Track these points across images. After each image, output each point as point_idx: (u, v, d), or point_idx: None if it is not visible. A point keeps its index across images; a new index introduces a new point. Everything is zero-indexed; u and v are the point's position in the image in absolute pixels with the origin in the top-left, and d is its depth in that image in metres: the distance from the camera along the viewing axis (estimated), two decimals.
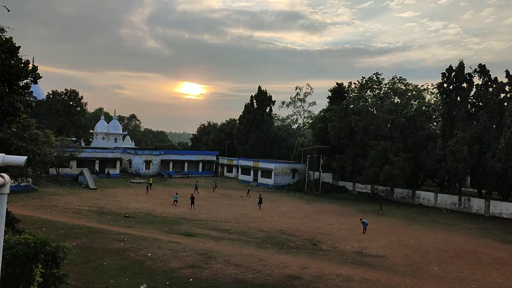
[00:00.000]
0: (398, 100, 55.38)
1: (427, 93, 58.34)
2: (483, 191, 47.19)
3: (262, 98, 75.06)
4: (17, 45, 5.30)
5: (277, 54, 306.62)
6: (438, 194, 48.22)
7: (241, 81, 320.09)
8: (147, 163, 63.65)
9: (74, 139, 60.26)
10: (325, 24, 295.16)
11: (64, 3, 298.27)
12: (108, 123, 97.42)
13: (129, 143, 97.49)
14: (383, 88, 58.04)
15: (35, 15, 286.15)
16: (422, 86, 58.48)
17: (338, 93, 62.41)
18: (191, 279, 16.96)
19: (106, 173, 58.55)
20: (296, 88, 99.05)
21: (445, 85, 47.61)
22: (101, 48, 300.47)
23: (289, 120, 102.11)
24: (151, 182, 49.62)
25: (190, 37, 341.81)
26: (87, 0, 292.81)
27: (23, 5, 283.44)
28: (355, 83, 60.86)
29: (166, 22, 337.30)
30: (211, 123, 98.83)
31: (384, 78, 58.25)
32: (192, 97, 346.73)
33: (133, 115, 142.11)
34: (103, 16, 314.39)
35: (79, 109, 69.72)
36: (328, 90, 64.10)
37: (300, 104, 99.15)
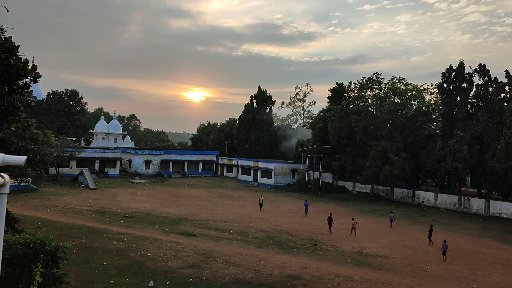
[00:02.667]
0: (398, 100, 55.40)
1: (427, 93, 58.42)
2: (483, 191, 47.19)
3: (262, 98, 75.10)
4: (16, 44, 5.29)
5: (267, 62, 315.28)
6: (438, 194, 48.22)
7: (237, 86, 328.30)
8: (147, 163, 63.66)
9: (74, 139, 60.29)
10: (299, 38, 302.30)
11: (66, 16, 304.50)
12: (108, 123, 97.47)
13: (129, 143, 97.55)
14: (383, 88, 58.08)
15: (44, 28, 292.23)
16: (422, 86, 58.61)
17: (338, 93, 62.50)
18: (191, 279, 16.95)
19: (105, 172, 58.54)
20: (296, 88, 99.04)
21: (445, 85, 47.61)
22: (104, 56, 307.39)
23: (289, 120, 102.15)
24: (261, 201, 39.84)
25: (185, 48, 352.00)
26: (87, 15, 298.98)
27: (35, 19, 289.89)
28: (355, 83, 60.96)
29: (162, 35, 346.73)
30: (211, 123, 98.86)
31: (384, 78, 58.37)
32: (191, 99, 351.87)
33: (133, 115, 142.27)
34: (103, 29, 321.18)
35: (79, 109, 69.82)
36: (328, 90, 64.24)
37: (300, 104, 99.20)
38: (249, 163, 65.42)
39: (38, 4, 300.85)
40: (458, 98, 46.38)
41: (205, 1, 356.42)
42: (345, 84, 63.01)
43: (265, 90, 75.70)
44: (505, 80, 43.41)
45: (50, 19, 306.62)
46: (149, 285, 15.78)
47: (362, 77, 59.46)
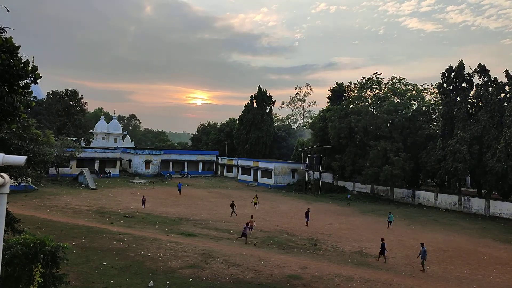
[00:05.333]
0: (398, 100, 55.41)
1: (427, 93, 58.40)
2: (483, 191, 47.19)
3: (262, 98, 75.09)
4: (17, 44, 5.30)
5: (259, 69, 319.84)
6: (438, 194, 48.22)
7: (236, 89, 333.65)
8: (147, 163, 63.67)
9: (74, 139, 60.25)
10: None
11: (66, 24, 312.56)
12: (108, 123, 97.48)
13: (129, 143, 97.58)
14: (383, 88, 58.09)
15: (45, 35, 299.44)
16: (422, 86, 58.63)
17: (338, 93, 62.56)
18: (191, 279, 16.96)
19: (107, 172, 58.56)
20: (296, 88, 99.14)
21: (445, 85, 47.62)
22: (104, 63, 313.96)
23: (289, 120, 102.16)
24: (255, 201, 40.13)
25: (181, 56, 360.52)
26: (86, 25, 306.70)
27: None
28: (355, 83, 61.01)
29: (157, 46, 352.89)
30: (211, 123, 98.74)
31: (383, 78, 58.40)
32: (191, 101, 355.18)
33: (133, 115, 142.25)
34: (102, 38, 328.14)
35: (79, 109, 69.69)
36: (328, 90, 64.34)
37: (300, 104, 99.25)
38: (249, 163, 65.43)
39: (41, 14, 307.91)
40: (458, 98, 46.37)
41: (189, 15, 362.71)
42: (345, 84, 63.09)
43: (265, 90, 75.72)
44: (505, 80, 43.43)
45: (51, 26, 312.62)
46: (149, 285, 15.80)
47: (362, 77, 59.63)
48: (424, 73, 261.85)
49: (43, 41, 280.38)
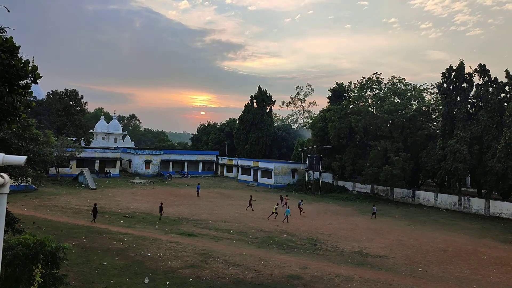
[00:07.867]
0: (398, 100, 55.41)
1: (427, 93, 58.43)
2: (483, 191, 47.20)
3: (262, 98, 75.07)
4: (17, 44, 5.30)
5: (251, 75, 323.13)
6: (438, 194, 48.22)
7: (234, 91, 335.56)
8: (147, 163, 63.67)
9: (74, 139, 60.24)
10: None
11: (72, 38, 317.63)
12: (108, 123, 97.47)
13: (129, 143, 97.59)
14: (383, 88, 58.11)
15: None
16: (422, 86, 58.68)
17: (338, 93, 62.58)
18: (191, 279, 16.96)
19: (107, 172, 58.53)
20: (297, 88, 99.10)
21: (445, 85, 47.63)
22: (104, 68, 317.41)
23: (289, 120, 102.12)
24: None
25: (177, 63, 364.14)
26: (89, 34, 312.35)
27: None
28: (355, 83, 61.05)
29: (154, 55, 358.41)
30: (211, 123, 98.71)
31: (383, 78, 58.43)
32: (191, 102, 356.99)
33: (133, 115, 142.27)
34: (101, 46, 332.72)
35: (79, 109, 69.66)
36: (328, 90, 64.36)
37: (300, 104, 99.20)
38: (249, 163, 65.42)
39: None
40: (458, 98, 46.38)
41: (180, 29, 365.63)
42: (345, 84, 63.11)
43: (265, 90, 75.71)
44: (505, 80, 43.44)
45: (52, 36, 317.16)
46: (145, 282, 15.83)
47: (362, 77, 59.67)
48: None
49: (44, 49, 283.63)
